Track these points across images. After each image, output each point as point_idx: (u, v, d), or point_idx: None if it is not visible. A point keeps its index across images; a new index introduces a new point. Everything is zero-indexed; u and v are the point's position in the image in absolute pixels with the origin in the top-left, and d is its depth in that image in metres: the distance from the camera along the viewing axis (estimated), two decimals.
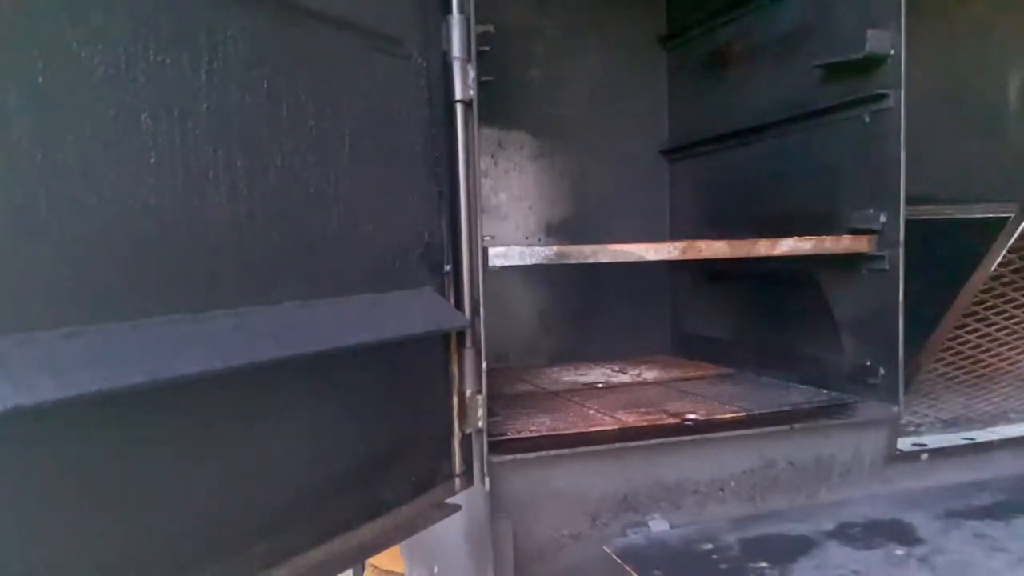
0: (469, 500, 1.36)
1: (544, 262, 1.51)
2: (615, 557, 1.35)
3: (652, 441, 1.51)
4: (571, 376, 2.27)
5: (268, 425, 0.96)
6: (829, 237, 1.73)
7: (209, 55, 0.88)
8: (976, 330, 1.74)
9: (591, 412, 1.73)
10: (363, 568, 2.68)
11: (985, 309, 1.70)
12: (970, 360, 1.79)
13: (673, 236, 2.58)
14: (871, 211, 1.70)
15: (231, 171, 0.90)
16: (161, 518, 0.83)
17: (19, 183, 0.70)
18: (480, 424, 1.33)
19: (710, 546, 1.38)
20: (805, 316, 1.97)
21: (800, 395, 1.86)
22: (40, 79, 0.71)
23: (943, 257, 1.95)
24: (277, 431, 0.98)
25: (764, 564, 1.29)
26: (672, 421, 1.63)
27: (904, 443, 1.69)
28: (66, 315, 0.73)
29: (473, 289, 1.32)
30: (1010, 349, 1.81)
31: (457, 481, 1.31)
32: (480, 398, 1.33)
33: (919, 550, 1.34)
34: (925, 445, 1.71)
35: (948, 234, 1.92)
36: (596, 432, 1.56)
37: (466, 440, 1.33)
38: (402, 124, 1.19)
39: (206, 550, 0.88)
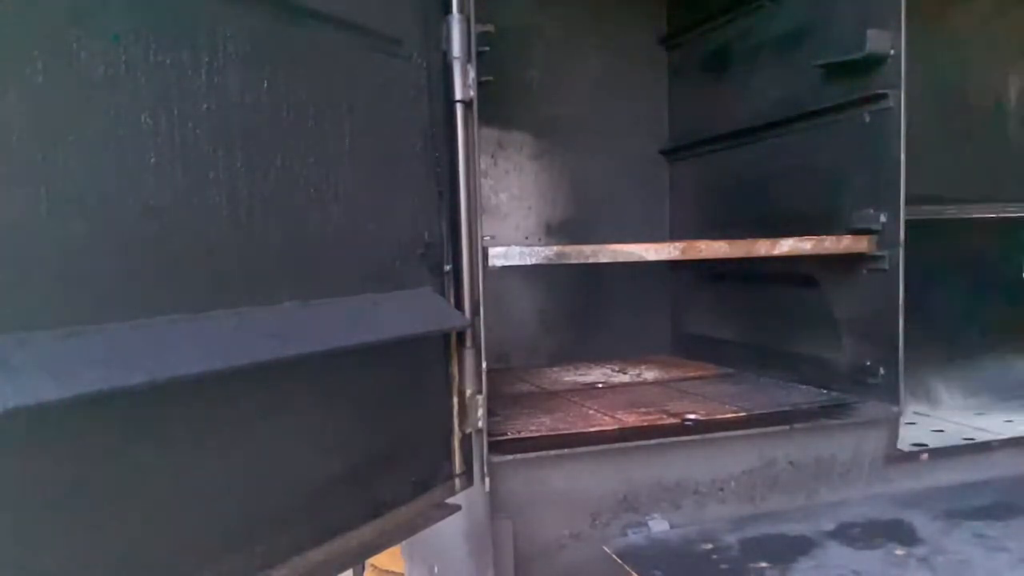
0: (469, 500, 1.36)
1: (544, 262, 1.51)
2: (615, 557, 1.35)
3: (652, 441, 1.51)
4: (571, 376, 2.27)
5: (268, 425, 0.96)
6: (829, 237, 1.73)
7: (209, 55, 0.88)
8: None
9: (591, 412, 1.73)
10: (363, 568, 2.68)
11: None
12: None
13: (673, 236, 2.58)
14: (871, 211, 1.70)
15: (231, 171, 0.90)
16: (161, 518, 0.83)
17: (19, 183, 0.70)
18: (480, 424, 1.33)
19: (710, 546, 1.38)
20: (805, 316, 1.97)
21: (800, 395, 1.86)
22: (40, 79, 0.71)
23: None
24: (277, 431, 0.97)
25: (764, 564, 1.29)
26: (672, 421, 1.63)
27: (904, 443, 1.69)
28: (66, 315, 0.73)
29: (473, 289, 1.31)
30: None
31: (457, 481, 1.31)
32: (480, 398, 1.32)
33: (919, 550, 1.34)
34: (925, 445, 1.71)
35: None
36: (596, 432, 1.56)
37: (466, 440, 1.33)
38: (402, 124, 1.19)
39: (206, 550, 0.88)
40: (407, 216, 1.21)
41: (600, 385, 2.12)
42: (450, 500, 1.30)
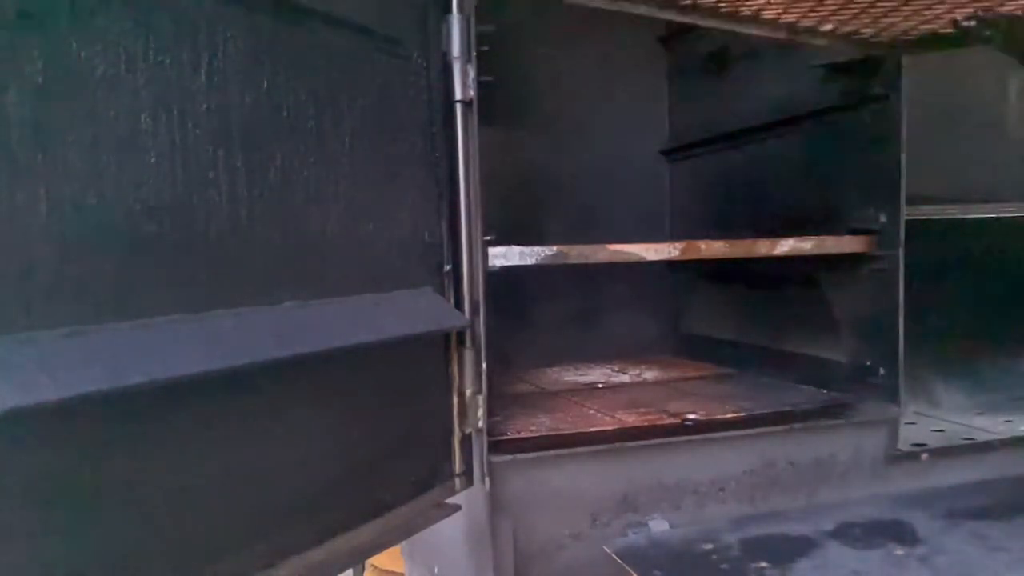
0: (469, 500, 1.36)
1: (544, 262, 1.51)
2: (615, 557, 1.35)
3: (652, 441, 1.51)
4: (571, 376, 2.27)
5: (268, 425, 0.96)
6: (829, 237, 1.73)
7: (209, 55, 0.88)
8: None
9: (591, 412, 1.73)
10: (363, 568, 2.69)
11: None
12: None
13: (673, 236, 2.58)
14: (871, 211, 1.70)
15: (231, 171, 0.90)
16: (160, 518, 0.83)
17: (19, 183, 0.70)
18: (480, 424, 1.33)
19: (710, 546, 1.38)
20: (805, 316, 1.97)
21: (800, 395, 1.86)
22: (40, 79, 0.71)
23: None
24: (277, 431, 0.97)
25: (764, 564, 1.29)
26: (672, 421, 1.63)
27: (904, 443, 1.69)
28: (66, 315, 0.73)
29: (473, 289, 1.31)
30: None
31: (457, 481, 1.31)
32: (480, 398, 1.32)
33: (919, 550, 1.34)
34: (925, 445, 1.72)
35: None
36: (596, 432, 1.56)
37: (466, 440, 1.33)
38: (402, 124, 1.19)
39: (206, 550, 0.88)
40: (407, 216, 1.21)
41: (600, 385, 2.12)
42: (450, 500, 1.30)
